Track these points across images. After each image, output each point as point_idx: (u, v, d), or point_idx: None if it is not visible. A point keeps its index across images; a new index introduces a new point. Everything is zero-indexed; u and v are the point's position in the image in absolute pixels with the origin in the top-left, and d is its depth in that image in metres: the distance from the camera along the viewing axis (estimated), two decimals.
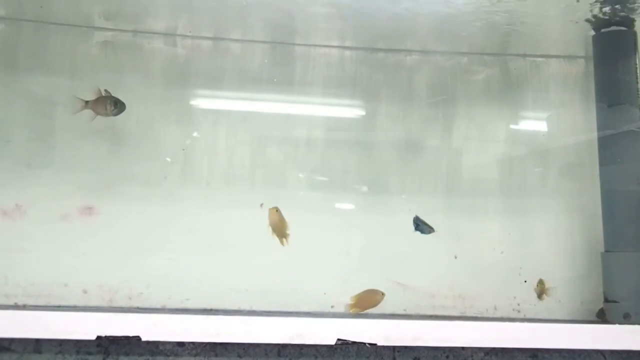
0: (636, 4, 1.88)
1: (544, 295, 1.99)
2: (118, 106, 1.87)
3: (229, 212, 2.05)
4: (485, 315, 2.06)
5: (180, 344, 1.50)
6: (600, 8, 1.88)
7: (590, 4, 1.86)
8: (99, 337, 1.41)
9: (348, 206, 2.16)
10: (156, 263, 1.97)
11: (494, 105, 2.27)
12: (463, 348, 1.56)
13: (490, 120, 2.26)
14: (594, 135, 2.06)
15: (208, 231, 2.02)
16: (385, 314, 2.01)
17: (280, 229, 1.82)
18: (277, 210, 1.83)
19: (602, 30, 2.03)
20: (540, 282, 1.99)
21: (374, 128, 2.22)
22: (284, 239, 1.85)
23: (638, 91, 2.00)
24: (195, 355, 1.50)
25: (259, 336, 1.46)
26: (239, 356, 1.51)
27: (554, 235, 2.14)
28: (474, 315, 2.05)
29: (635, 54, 2.02)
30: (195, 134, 2.12)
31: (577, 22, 1.96)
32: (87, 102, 1.86)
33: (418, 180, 2.18)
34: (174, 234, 2.01)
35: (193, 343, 1.50)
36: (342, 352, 1.53)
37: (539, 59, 2.28)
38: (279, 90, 2.22)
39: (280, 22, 2.07)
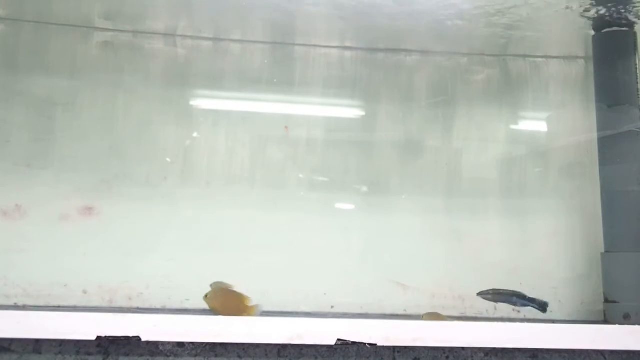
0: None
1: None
2: None
3: (229, 212, 2.05)
4: (485, 315, 2.05)
5: (180, 345, 1.50)
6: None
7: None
8: (99, 338, 1.41)
9: (348, 206, 2.16)
10: (156, 263, 1.97)
11: (494, 106, 2.27)
12: (463, 348, 1.56)
13: (490, 121, 2.26)
14: (593, 135, 2.06)
15: (208, 231, 2.02)
16: (385, 314, 2.01)
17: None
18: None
19: (602, 30, 2.03)
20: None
21: (374, 128, 2.22)
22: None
23: (638, 91, 2.00)
24: (195, 356, 1.50)
25: (259, 336, 1.46)
26: (239, 356, 1.51)
27: (554, 235, 2.14)
28: (474, 315, 2.05)
29: (635, 54, 2.02)
30: (195, 134, 2.12)
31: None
32: None
33: (418, 181, 2.18)
34: (174, 234, 2.01)
35: (193, 343, 1.50)
36: (342, 353, 1.53)
37: (539, 59, 2.28)
38: (279, 90, 2.22)
39: (280, 22, 2.07)
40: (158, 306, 1.95)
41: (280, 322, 1.48)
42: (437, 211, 2.14)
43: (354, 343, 1.46)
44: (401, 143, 2.20)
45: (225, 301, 1.79)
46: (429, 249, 2.09)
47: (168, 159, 2.08)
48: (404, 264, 2.07)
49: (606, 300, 1.94)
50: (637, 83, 2.01)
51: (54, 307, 1.89)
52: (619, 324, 1.81)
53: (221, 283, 1.79)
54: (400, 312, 2.03)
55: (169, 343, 1.49)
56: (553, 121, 2.27)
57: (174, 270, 1.96)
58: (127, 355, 1.48)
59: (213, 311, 1.75)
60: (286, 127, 1.89)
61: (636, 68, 2.02)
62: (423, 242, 2.09)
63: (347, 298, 2.00)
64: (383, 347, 1.50)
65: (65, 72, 2.11)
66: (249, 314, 1.73)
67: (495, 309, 2.06)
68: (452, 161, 2.20)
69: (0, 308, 1.77)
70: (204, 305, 1.94)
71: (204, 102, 2.20)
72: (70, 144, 2.05)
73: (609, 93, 2.03)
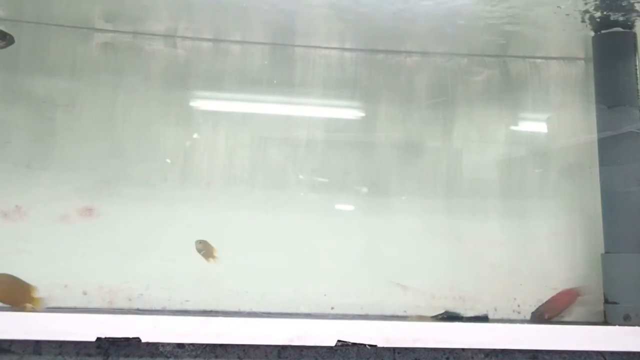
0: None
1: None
2: (7, 39, 1.83)
3: (229, 213, 2.05)
4: None
5: (180, 346, 1.50)
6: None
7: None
8: (99, 339, 1.41)
9: (348, 207, 2.16)
10: (156, 264, 1.97)
11: (494, 107, 2.27)
12: (463, 349, 1.56)
13: (490, 122, 2.26)
14: (594, 136, 2.06)
15: (208, 232, 2.02)
16: (385, 315, 2.01)
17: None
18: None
19: (602, 31, 2.03)
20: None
21: (374, 129, 2.22)
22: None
23: (638, 92, 2.00)
24: (195, 357, 1.50)
25: (258, 338, 1.46)
26: (239, 357, 1.51)
27: (554, 236, 2.14)
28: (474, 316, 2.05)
29: (635, 55, 2.02)
30: (195, 135, 2.12)
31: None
32: None
33: (418, 182, 2.18)
34: (174, 235, 2.01)
35: (193, 344, 1.50)
36: (342, 354, 1.53)
37: (539, 60, 2.28)
38: (279, 91, 2.22)
39: (280, 23, 2.07)
40: (158, 307, 1.95)
41: (280, 323, 1.49)
42: (437, 212, 2.13)
43: (354, 344, 1.46)
44: (401, 144, 2.20)
45: (7, 289, 1.73)
46: (429, 250, 2.08)
47: (168, 160, 2.08)
48: (404, 264, 2.07)
49: (606, 301, 1.94)
50: (637, 84, 2.01)
51: (53, 308, 1.88)
52: (619, 325, 1.81)
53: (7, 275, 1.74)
54: (401, 313, 2.02)
55: (169, 344, 1.50)
56: (553, 122, 2.27)
57: (174, 271, 1.96)
58: (127, 356, 1.48)
59: None
60: None
61: (636, 69, 2.02)
62: (423, 243, 2.09)
63: (347, 299, 2.00)
64: (383, 348, 1.50)
65: (66, 72, 2.11)
66: (33, 306, 1.69)
67: (496, 310, 2.06)
68: (452, 162, 2.20)
69: (0, 309, 1.77)
70: (205, 306, 1.95)
71: (204, 103, 2.20)
72: (70, 145, 2.05)
73: (609, 94, 2.03)
